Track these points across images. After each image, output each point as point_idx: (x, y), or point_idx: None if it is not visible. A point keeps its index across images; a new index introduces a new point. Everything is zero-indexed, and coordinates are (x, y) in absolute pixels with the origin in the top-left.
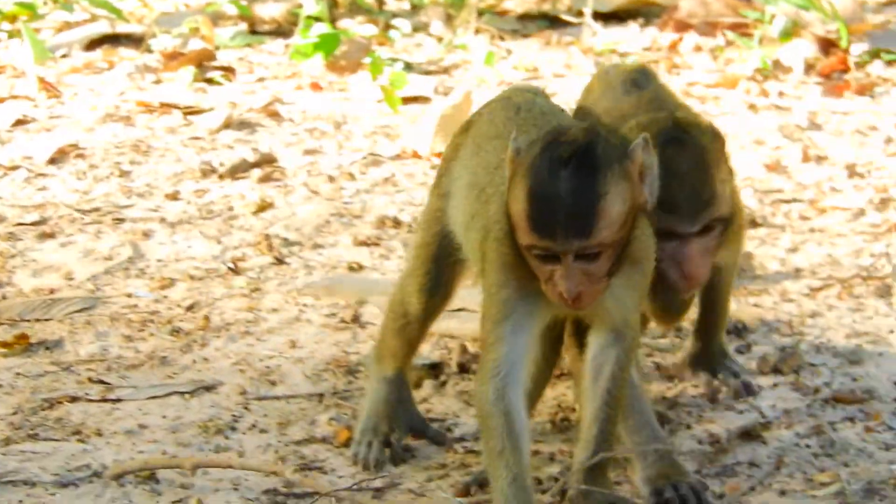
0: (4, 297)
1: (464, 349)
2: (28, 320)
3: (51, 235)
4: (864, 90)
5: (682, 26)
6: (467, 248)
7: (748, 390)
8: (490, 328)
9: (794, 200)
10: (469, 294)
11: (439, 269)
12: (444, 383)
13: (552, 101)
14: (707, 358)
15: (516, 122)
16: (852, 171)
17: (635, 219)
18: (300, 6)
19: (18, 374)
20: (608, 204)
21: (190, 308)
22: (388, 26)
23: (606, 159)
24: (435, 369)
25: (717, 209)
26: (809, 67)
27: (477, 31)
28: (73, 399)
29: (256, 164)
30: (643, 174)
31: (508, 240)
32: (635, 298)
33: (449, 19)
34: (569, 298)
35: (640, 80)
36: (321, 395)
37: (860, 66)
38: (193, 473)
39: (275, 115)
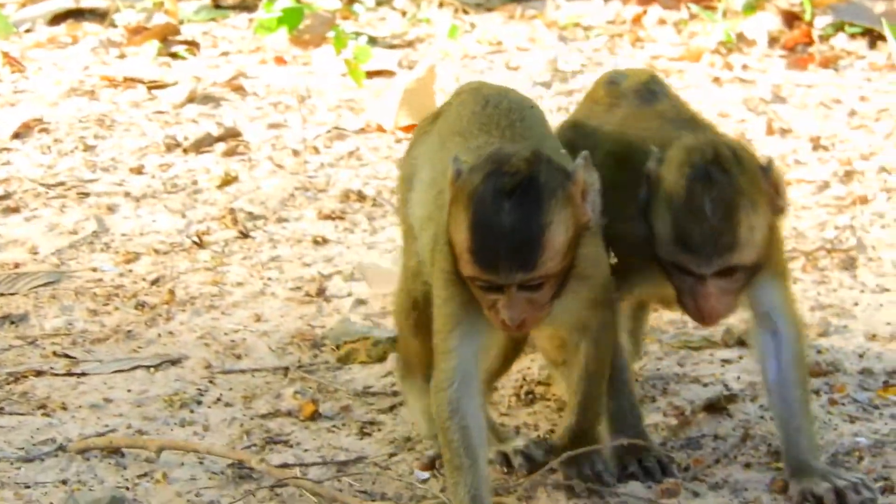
0: None
1: None
2: None
3: (15, 210)
4: (828, 63)
5: None
6: (420, 245)
7: None
8: (441, 338)
9: None
10: None
11: None
12: None
13: (524, 95)
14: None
15: (481, 119)
16: (816, 144)
17: (579, 240)
18: None
19: None
20: (551, 235)
21: (155, 282)
22: (351, 0)
23: (549, 189)
24: None
25: (736, 256)
26: (773, 40)
27: (441, 5)
28: (38, 373)
29: (221, 139)
30: (585, 193)
31: (452, 258)
32: (588, 305)
33: None
34: (512, 326)
35: (656, 87)
36: (286, 369)
37: (824, 38)
38: (159, 455)
39: (239, 90)
